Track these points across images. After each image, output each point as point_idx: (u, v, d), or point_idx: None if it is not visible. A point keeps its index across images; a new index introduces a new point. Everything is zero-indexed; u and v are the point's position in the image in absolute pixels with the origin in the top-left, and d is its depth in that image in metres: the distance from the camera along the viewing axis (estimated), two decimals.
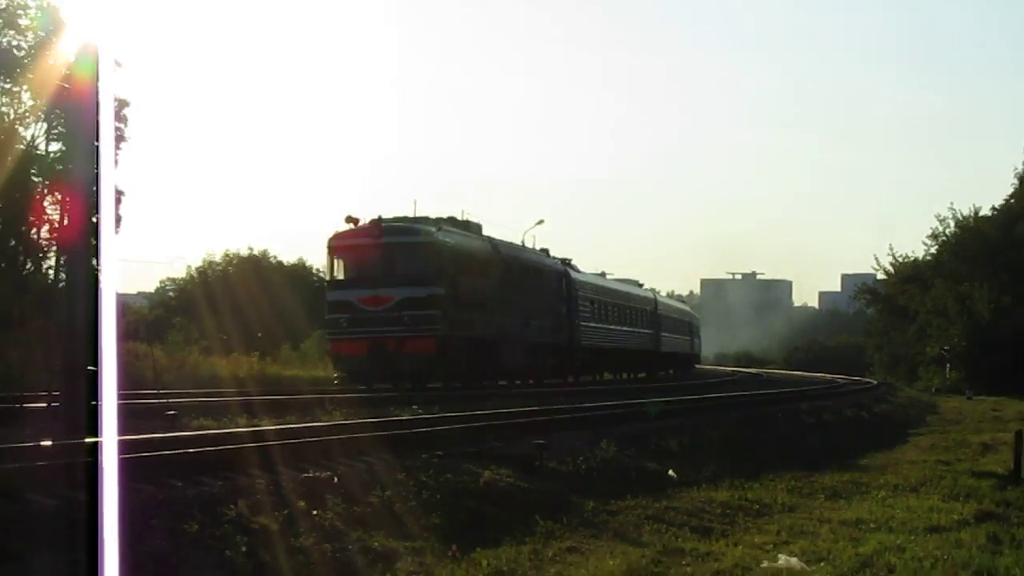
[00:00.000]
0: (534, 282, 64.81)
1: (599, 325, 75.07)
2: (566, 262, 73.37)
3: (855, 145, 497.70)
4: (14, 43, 62.38)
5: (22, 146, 58.22)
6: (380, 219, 50.73)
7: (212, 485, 16.64)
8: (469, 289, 52.16)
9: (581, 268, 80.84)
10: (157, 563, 11.93)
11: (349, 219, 51.00)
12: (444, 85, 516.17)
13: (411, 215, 56.00)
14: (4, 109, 61.16)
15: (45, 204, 62.63)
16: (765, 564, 14.53)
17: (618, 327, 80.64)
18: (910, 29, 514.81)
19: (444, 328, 48.63)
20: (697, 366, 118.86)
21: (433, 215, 55.66)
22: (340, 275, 51.19)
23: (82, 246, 22.35)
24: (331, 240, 51.82)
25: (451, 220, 56.48)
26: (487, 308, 54.67)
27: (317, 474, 17.91)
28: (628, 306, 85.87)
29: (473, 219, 59.62)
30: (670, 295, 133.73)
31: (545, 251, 71.52)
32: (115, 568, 5.17)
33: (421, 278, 48.61)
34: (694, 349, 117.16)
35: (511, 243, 64.39)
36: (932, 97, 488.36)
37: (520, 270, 62.60)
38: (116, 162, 61.25)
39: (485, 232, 62.02)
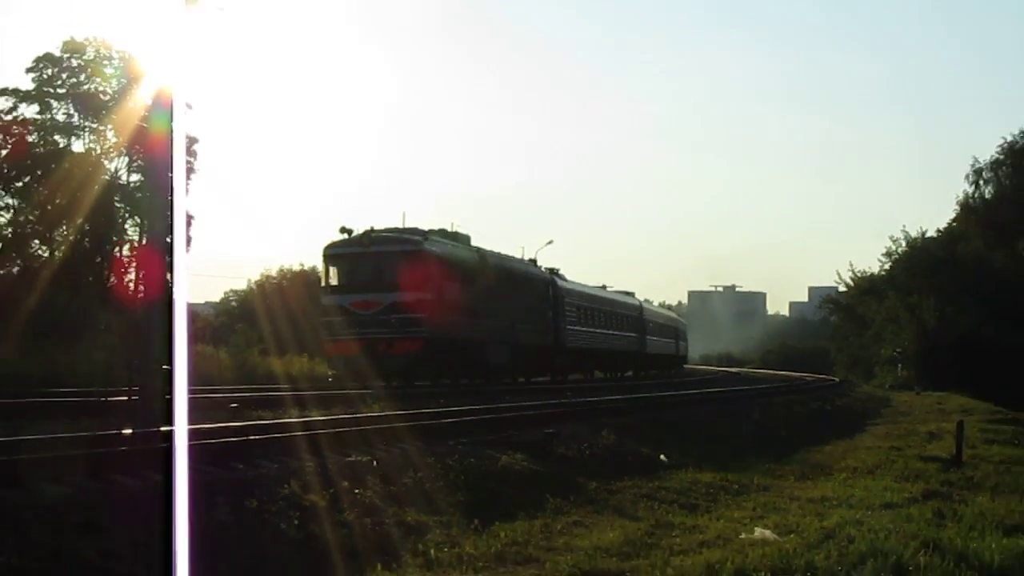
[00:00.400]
0: (521, 289, 61.10)
1: (584, 328, 70.88)
2: (554, 271, 69.50)
3: (825, 175, 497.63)
4: (100, 89, 63.03)
5: (107, 176, 58.94)
6: (372, 230, 48.29)
7: (269, 467, 16.67)
8: (455, 294, 48.79)
9: (589, 281, 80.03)
10: (222, 533, 11.94)
11: (343, 230, 48.02)
12: (461, 116, 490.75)
13: (401, 226, 52.66)
14: (92, 145, 61.71)
15: (126, 226, 63.19)
16: (743, 536, 14.49)
17: (603, 330, 76.11)
18: (864, 72, 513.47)
19: (430, 330, 45.40)
20: (685, 366, 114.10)
21: (425, 227, 52.84)
22: (334, 281, 48.09)
23: (157, 263, 22.38)
24: (326, 249, 48.98)
25: (441, 231, 53.47)
26: (474, 312, 50.91)
27: (358, 458, 17.94)
28: (613, 311, 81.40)
29: (463, 231, 56.70)
30: (661, 305, 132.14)
31: (532, 261, 68.22)
32: (186, 537, 5.13)
33: (408, 284, 45.31)
34: (679, 351, 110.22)
35: (498, 253, 60.18)
36: (891, 134, 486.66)
37: (506, 278, 58.28)
38: (187, 191, 61.46)
39: (479, 243, 58.50)
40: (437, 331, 45.30)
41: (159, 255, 21.86)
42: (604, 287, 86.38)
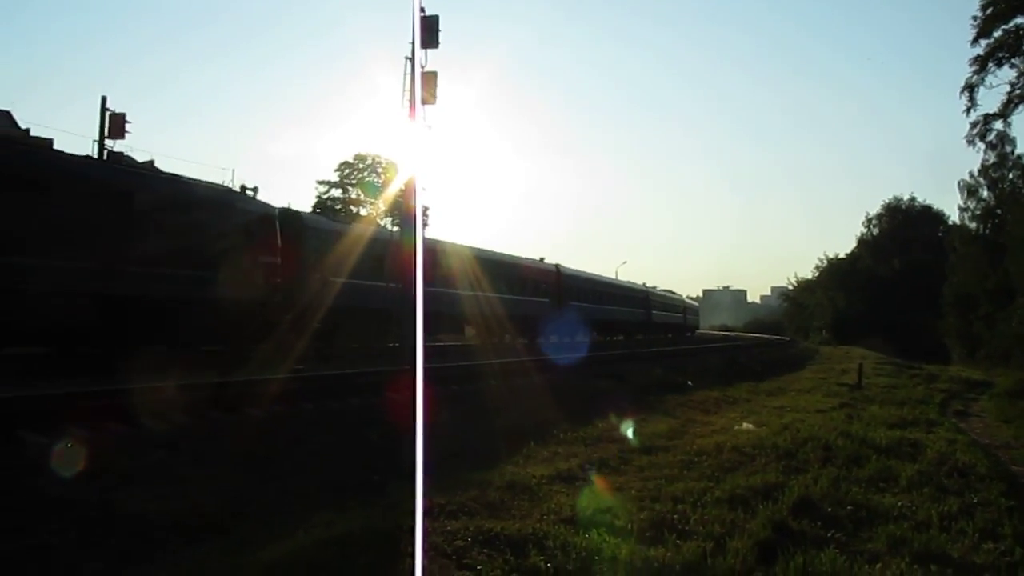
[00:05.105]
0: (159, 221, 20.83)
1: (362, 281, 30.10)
2: (288, 210, 28.89)
3: (785, 219, 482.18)
4: (377, 181, 64.35)
5: (380, 226, 60.42)
6: None
7: (469, 386, 16.80)
8: None
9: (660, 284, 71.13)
10: (441, 424, 11.96)
11: None
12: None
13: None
14: (371, 211, 62.74)
15: None
16: (736, 427, 14.30)
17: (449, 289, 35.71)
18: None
19: None
20: (697, 331, 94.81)
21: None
22: None
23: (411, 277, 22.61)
24: None
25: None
26: None
27: (515, 383, 18.01)
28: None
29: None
30: (687, 296, 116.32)
31: (238, 189, 24.84)
32: (421, 423, 5.08)
33: None
34: (651, 319, 70.01)
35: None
36: (819, 197, 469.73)
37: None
38: (423, 236, 62.23)
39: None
40: None
41: (413, 272, 22.09)
42: (672, 292, 77.64)
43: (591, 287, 56.55)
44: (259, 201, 25.15)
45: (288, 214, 27.74)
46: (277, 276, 24.76)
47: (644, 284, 75.40)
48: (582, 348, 32.79)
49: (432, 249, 35.14)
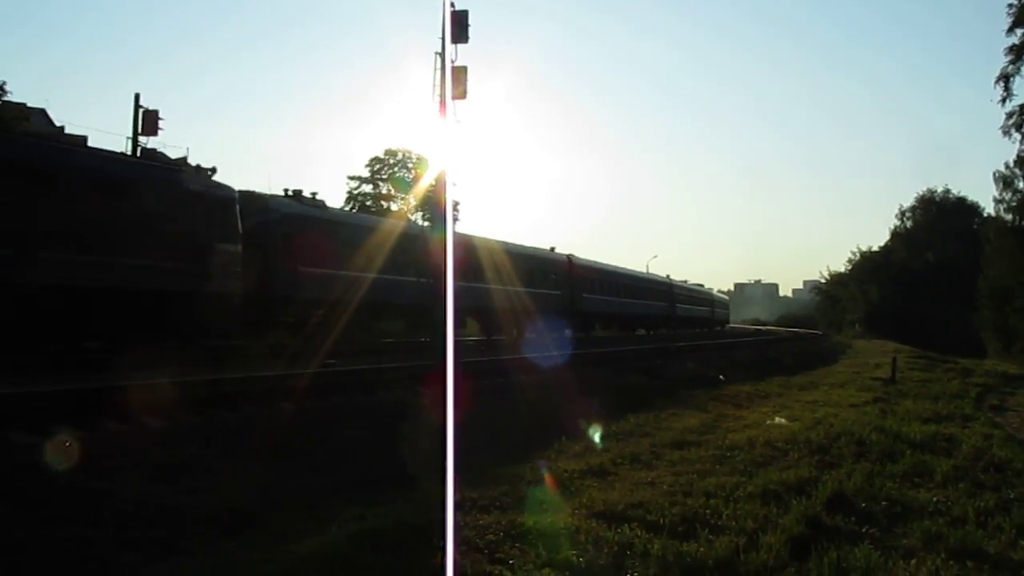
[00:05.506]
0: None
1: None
2: (263, 196, 26.29)
3: (816, 214, 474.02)
4: (407, 176, 64.54)
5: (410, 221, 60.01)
6: None
7: (508, 379, 16.84)
8: None
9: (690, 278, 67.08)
10: (477, 414, 11.91)
11: None
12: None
13: None
14: (402, 206, 62.79)
15: None
16: (768, 422, 14.21)
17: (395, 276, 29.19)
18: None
19: None
20: (728, 326, 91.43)
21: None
22: None
23: (442, 272, 22.66)
24: None
25: None
26: None
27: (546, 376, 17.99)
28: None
29: None
30: (719, 290, 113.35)
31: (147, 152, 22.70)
32: (451, 414, 5.09)
33: None
34: (676, 313, 66.27)
35: None
36: (850, 192, 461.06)
37: None
38: (453, 229, 61.81)
39: None
40: None
41: (444, 266, 22.07)
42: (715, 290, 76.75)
43: (608, 279, 52.00)
44: (215, 182, 22.13)
45: (251, 197, 24.77)
46: (237, 265, 21.91)
47: (668, 276, 71.03)
48: (590, 344, 32.17)
49: (425, 237, 30.93)
